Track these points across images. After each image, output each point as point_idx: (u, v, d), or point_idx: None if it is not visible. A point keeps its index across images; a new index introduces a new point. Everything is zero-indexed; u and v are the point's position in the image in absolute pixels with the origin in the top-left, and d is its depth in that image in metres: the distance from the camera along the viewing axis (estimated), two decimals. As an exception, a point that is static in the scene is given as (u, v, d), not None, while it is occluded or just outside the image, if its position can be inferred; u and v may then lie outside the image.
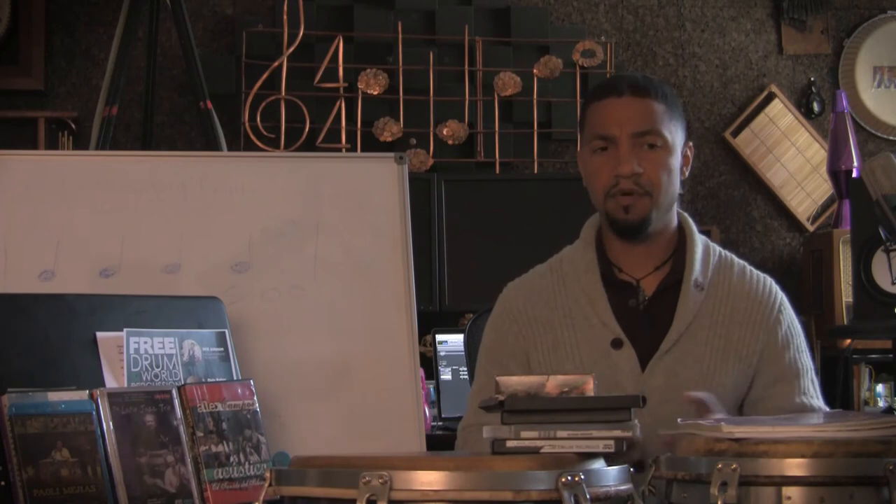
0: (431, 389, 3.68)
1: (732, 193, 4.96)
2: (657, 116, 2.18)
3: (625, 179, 2.16)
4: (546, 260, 2.36)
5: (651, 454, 1.85)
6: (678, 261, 2.24)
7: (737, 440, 1.54)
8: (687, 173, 2.28)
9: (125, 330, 2.18)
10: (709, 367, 2.17)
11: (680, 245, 2.26)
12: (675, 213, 2.28)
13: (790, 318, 2.25)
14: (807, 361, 2.25)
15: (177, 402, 2.01)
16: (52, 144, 4.52)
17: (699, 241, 2.27)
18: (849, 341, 4.30)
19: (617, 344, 2.18)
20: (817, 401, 2.23)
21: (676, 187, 2.23)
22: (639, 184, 2.17)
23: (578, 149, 2.27)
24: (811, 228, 4.92)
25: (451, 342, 3.75)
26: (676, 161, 2.22)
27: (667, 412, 2.01)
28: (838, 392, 4.30)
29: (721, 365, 2.18)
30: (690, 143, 2.29)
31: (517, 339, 2.27)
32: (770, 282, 2.28)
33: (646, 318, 2.21)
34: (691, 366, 2.16)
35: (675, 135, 2.21)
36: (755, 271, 2.29)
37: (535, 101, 4.79)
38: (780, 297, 2.26)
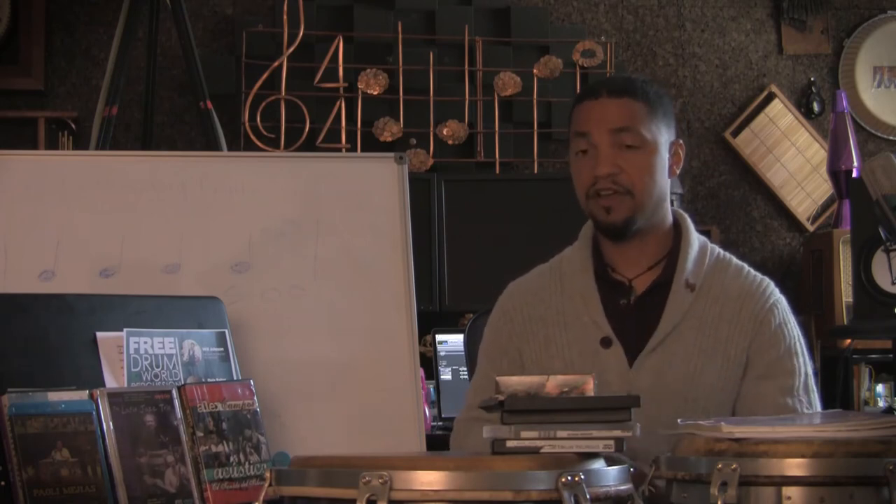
0: (431, 389, 3.68)
1: (732, 193, 4.96)
2: (636, 115, 2.18)
3: (603, 179, 2.16)
4: (547, 260, 2.37)
5: (640, 452, 1.85)
6: (671, 260, 2.24)
7: (737, 440, 1.54)
8: (678, 171, 2.27)
9: (125, 330, 2.18)
10: (695, 367, 2.16)
11: (675, 245, 2.25)
12: (668, 212, 2.26)
13: (783, 318, 2.21)
14: (800, 365, 2.19)
15: (177, 402, 2.01)
16: (52, 144, 4.52)
17: (695, 240, 2.26)
18: (849, 341, 4.30)
19: (606, 343, 2.18)
20: (807, 407, 2.17)
21: (662, 186, 2.21)
22: (617, 182, 2.16)
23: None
24: (811, 228, 4.92)
25: (451, 342, 3.75)
26: (660, 160, 2.20)
27: (654, 411, 2.00)
28: (838, 392, 4.30)
29: (708, 365, 2.16)
30: (681, 142, 2.26)
31: (511, 338, 2.29)
32: (767, 282, 2.25)
33: (635, 317, 2.21)
34: (678, 365, 2.15)
35: (658, 134, 2.19)
36: (753, 272, 2.26)
37: (535, 101, 4.79)
38: (776, 297, 2.23)
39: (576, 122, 2.22)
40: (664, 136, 2.21)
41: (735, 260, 2.29)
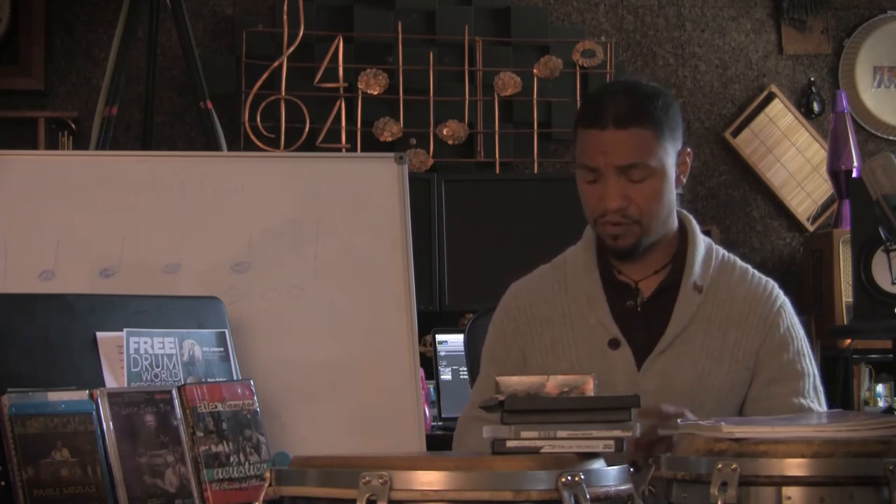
0: (431, 389, 3.68)
1: (732, 193, 4.96)
2: (643, 147, 2.13)
3: (612, 213, 2.15)
4: (549, 260, 2.36)
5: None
6: (678, 263, 2.23)
7: (737, 440, 1.54)
8: (685, 180, 2.25)
9: (125, 330, 2.18)
10: (703, 370, 2.16)
11: (681, 247, 2.25)
12: (674, 217, 2.26)
13: (790, 321, 2.22)
14: (808, 366, 2.21)
15: (177, 402, 2.01)
16: (52, 144, 4.52)
17: (701, 243, 2.26)
18: (849, 341, 4.30)
19: (614, 344, 2.18)
20: (818, 407, 2.19)
21: (670, 204, 2.20)
22: (626, 215, 2.15)
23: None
24: (811, 228, 4.92)
25: (451, 342, 3.75)
26: (668, 182, 2.18)
27: None
28: (838, 392, 4.30)
29: (716, 367, 2.17)
30: (688, 150, 2.24)
31: (515, 338, 2.28)
32: (772, 285, 2.26)
33: (643, 319, 2.20)
34: (686, 368, 2.16)
35: (666, 157, 2.16)
36: (758, 275, 2.27)
37: (535, 101, 4.79)
38: (781, 299, 2.24)
39: (582, 152, 2.18)
40: (671, 157, 2.18)
41: (739, 261, 2.29)
